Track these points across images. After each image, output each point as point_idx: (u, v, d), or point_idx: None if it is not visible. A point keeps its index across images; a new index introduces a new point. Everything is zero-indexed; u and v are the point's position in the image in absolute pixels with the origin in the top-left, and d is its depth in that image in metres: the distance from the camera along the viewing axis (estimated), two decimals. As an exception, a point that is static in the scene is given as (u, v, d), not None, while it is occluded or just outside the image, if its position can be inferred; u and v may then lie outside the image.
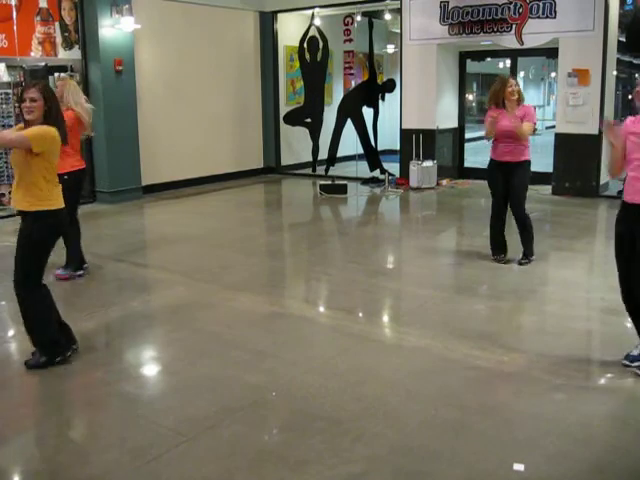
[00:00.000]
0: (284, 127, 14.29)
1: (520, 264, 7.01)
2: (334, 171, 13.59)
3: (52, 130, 4.43)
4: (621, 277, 4.52)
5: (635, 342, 4.54)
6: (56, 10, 10.52)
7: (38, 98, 4.42)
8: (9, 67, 10.50)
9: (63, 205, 4.63)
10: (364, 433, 3.69)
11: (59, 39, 10.62)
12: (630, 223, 4.36)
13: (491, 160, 7.10)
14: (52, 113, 4.48)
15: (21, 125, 4.63)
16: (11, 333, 5.47)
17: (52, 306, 4.70)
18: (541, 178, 11.76)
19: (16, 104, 10.18)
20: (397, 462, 3.43)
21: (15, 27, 9.91)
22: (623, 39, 12.51)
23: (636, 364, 4.46)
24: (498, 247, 7.19)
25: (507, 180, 6.99)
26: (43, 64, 10.41)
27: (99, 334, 5.34)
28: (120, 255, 7.64)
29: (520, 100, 6.91)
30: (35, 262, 4.54)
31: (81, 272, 6.80)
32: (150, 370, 4.88)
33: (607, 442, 3.65)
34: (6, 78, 10.34)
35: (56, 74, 10.40)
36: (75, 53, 10.83)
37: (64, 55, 10.72)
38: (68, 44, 10.76)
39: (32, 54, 10.29)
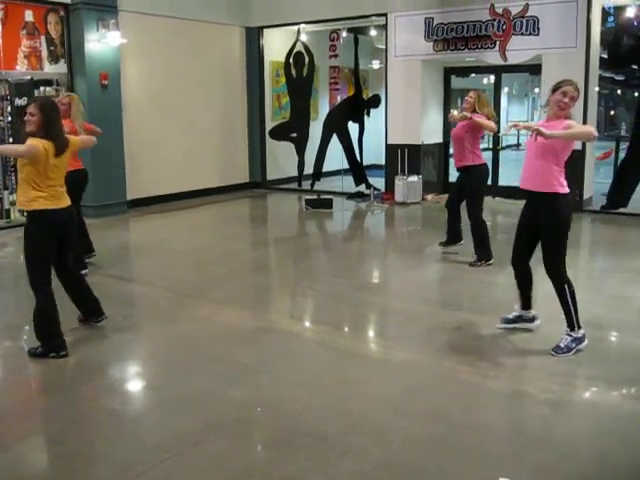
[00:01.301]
0: (270, 142, 14.35)
1: (470, 265, 7.53)
2: (320, 186, 13.64)
3: (38, 143, 4.86)
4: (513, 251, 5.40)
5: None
6: (42, 24, 10.52)
7: (35, 113, 4.92)
8: (-6, 81, 10.48)
9: (56, 206, 5.00)
10: (350, 449, 3.68)
11: (45, 53, 10.62)
12: (528, 209, 5.23)
13: None
14: (46, 127, 4.93)
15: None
16: (-6, 348, 5.43)
17: (54, 308, 5.08)
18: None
19: (0, 117, 10.16)
20: (383, 478, 3.41)
21: (0, 40, 9.90)
22: (605, 56, 12.67)
23: (510, 325, 5.46)
24: (447, 234, 8.19)
25: (461, 183, 7.82)
26: (29, 78, 10.39)
27: (83, 348, 5.30)
28: (105, 269, 7.60)
29: (474, 110, 7.39)
30: (32, 259, 5.01)
31: (85, 271, 7.02)
32: (135, 385, 4.85)
33: (593, 456, 3.67)
34: (-9, 92, 10.32)
35: (43, 87, 10.40)
36: (61, 67, 10.83)
37: (50, 69, 10.71)
38: (54, 58, 10.75)
39: (18, 68, 10.28)
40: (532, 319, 5.46)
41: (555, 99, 4.89)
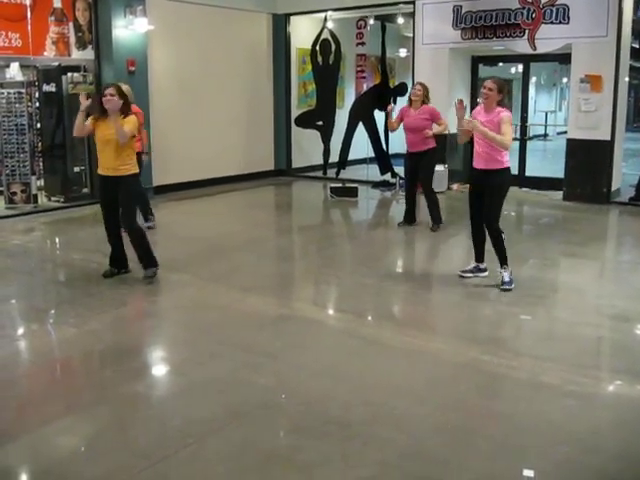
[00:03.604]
0: (295, 129, 14.31)
1: (431, 230, 8.88)
2: (345, 174, 13.61)
3: (132, 117, 6.31)
4: (471, 216, 6.48)
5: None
6: (70, 10, 10.58)
7: (114, 94, 6.15)
8: (23, 66, 10.58)
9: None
10: (373, 437, 3.68)
11: (73, 39, 10.68)
12: (477, 182, 6.31)
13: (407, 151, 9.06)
14: (126, 106, 6.28)
15: (95, 116, 6.35)
16: (20, 331, 5.50)
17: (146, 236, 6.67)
18: (552, 183, 11.76)
19: (29, 103, 10.25)
20: (406, 467, 3.41)
21: (29, 27, 9.97)
22: (636, 45, 12.46)
23: (468, 274, 6.61)
24: (405, 215, 9.34)
25: (417, 165, 8.87)
26: (56, 64, 10.46)
27: (109, 333, 5.36)
28: (129, 254, 7.63)
29: (424, 102, 8.81)
30: (134, 205, 6.72)
31: (150, 224, 8.71)
32: (159, 370, 4.90)
33: (616, 450, 3.63)
34: (20, 77, 10.41)
35: (71, 73, 10.46)
36: (88, 53, 10.89)
37: (77, 55, 10.77)
38: (82, 44, 10.81)
39: (46, 54, 10.35)
40: (484, 269, 6.63)
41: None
